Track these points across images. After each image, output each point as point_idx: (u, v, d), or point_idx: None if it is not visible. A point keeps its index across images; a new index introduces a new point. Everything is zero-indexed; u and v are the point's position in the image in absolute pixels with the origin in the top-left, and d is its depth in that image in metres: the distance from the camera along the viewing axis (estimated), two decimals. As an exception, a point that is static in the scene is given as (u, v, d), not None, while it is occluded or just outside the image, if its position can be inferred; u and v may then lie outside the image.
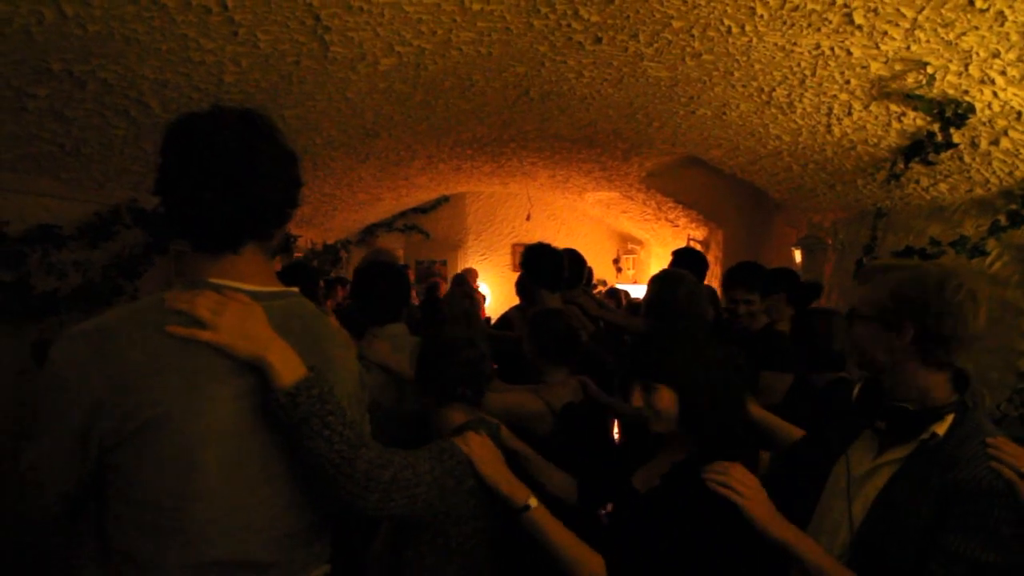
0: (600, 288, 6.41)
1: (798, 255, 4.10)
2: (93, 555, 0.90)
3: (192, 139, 0.89)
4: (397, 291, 2.11)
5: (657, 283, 2.35)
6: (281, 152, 0.95)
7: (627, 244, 8.13)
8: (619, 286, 6.51)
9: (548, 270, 2.55)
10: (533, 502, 1.22)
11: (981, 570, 0.97)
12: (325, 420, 0.91)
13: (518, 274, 2.87)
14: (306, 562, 0.98)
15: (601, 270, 7.51)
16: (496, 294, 7.74)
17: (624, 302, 5.24)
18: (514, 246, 8.03)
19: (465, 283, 5.39)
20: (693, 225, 6.20)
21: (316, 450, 0.92)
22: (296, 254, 5.18)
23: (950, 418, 1.09)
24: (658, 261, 7.50)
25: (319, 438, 0.91)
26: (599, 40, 2.13)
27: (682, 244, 5.67)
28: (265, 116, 0.94)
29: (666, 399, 1.28)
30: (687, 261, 2.98)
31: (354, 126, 3.11)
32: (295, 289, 1.03)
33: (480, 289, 7.22)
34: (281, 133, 0.95)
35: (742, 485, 1.13)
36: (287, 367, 0.90)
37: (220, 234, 0.92)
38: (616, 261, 8.06)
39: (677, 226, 6.46)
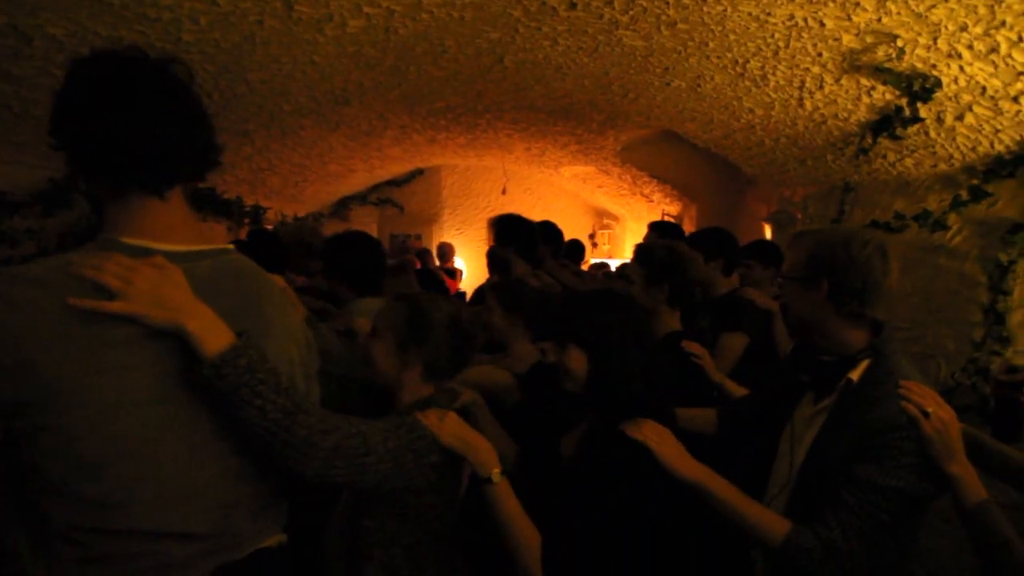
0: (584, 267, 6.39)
1: (768, 230, 4.15)
2: (24, 534, 0.85)
3: (127, 74, 0.84)
4: (373, 261, 2.06)
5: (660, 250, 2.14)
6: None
7: (603, 219, 8.15)
8: (595, 260, 6.53)
9: (521, 238, 2.53)
10: (496, 477, 1.21)
11: (884, 494, 1.09)
12: (255, 389, 0.87)
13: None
14: (254, 533, 0.94)
15: (576, 245, 7.51)
16: (472, 268, 7.70)
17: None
18: (490, 220, 7.97)
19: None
20: (667, 200, 6.22)
21: (248, 419, 0.88)
22: (266, 227, 5.06)
23: (864, 363, 1.21)
24: (633, 236, 7.53)
25: (250, 407, 0.87)
26: (574, 6, 2.09)
27: (657, 219, 5.69)
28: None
29: (575, 359, 1.29)
30: (665, 233, 2.98)
31: (323, 92, 3.02)
32: (230, 246, 0.97)
33: (456, 264, 7.17)
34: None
35: (654, 432, 1.20)
36: (210, 335, 0.84)
37: (155, 168, 0.86)
38: (592, 236, 8.08)
39: (652, 201, 6.48)
